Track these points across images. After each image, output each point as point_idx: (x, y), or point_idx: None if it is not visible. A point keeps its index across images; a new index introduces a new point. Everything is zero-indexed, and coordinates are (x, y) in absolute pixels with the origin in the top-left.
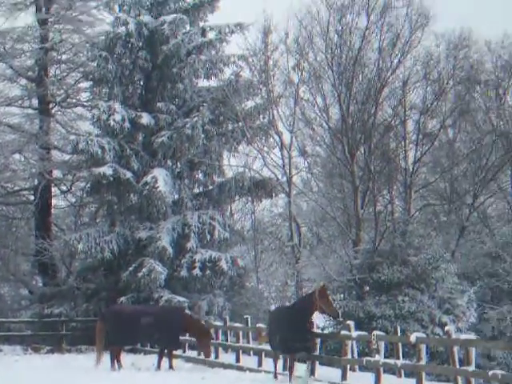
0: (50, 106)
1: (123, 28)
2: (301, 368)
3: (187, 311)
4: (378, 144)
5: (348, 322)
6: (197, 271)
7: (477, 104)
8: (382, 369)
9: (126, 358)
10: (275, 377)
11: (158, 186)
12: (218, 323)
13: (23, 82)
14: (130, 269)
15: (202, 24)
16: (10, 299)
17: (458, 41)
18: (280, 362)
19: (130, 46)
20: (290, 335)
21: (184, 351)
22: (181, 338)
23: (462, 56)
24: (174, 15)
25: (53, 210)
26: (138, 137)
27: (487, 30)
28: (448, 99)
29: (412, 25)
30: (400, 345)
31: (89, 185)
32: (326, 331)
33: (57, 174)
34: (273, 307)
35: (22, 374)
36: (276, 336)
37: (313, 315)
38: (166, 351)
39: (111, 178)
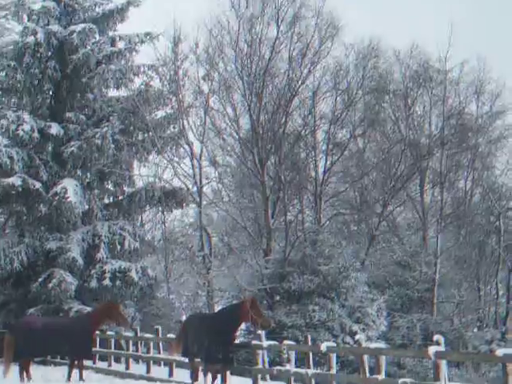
0: None
1: (32, 38)
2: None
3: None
4: (288, 154)
5: (259, 331)
6: (107, 282)
7: (386, 114)
8: (292, 378)
9: (35, 370)
10: None
11: (67, 197)
12: (129, 334)
13: None
14: (40, 280)
15: (111, 33)
16: None
17: (367, 51)
18: (185, 371)
19: (39, 55)
20: (215, 344)
21: (94, 362)
22: (91, 349)
23: (371, 66)
24: (84, 25)
25: None
26: (47, 147)
27: (396, 39)
28: (357, 109)
29: (322, 35)
30: (311, 354)
31: None
32: (236, 341)
33: None
34: (184, 317)
35: None
36: (196, 344)
37: (240, 326)
38: (76, 362)
39: (20, 189)
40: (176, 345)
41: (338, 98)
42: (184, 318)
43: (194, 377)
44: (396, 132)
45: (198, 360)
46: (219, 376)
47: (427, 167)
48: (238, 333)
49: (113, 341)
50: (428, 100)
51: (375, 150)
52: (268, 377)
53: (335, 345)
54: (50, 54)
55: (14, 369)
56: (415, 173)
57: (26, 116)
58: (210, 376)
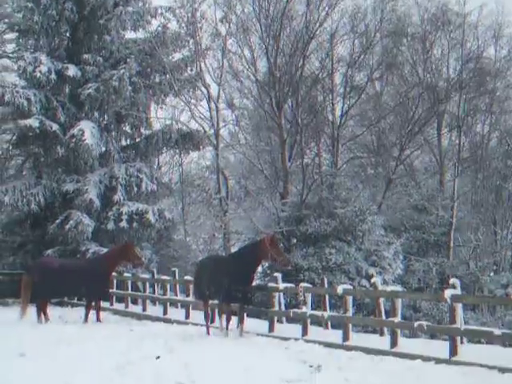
0: None
1: None
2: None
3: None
4: (306, 97)
5: (275, 274)
6: (124, 224)
7: (404, 57)
8: (309, 320)
9: (53, 311)
10: (208, 333)
11: (84, 139)
12: (146, 276)
13: None
14: (57, 221)
15: None
16: None
17: None
18: (198, 313)
19: None
20: (235, 284)
21: (111, 304)
22: (108, 290)
23: (389, 9)
24: None
25: None
26: (64, 89)
27: None
28: (375, 52)
29: None
30: (327, 296)
31: (15, 137)
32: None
33: None
34: (200, 259)
35: None
36: (213, 285)
37: (259, 265)
38: (93, 304)
39: (37, 131)
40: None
41: (356, 41)
42: (200, 259)
43: (210, 318)
44: (414, 75)
45: (214, 302)
46: (235, 317)
47: (445, 111)
48: (255, 275)
49: (130, 283)
50: (446, 43)
51: (393, 93)
52: (284, 319)
53: (351, 287)
54: None
55: (32, 310)
56: (433, 116)
57: (44, 57)
58: (224, 317)
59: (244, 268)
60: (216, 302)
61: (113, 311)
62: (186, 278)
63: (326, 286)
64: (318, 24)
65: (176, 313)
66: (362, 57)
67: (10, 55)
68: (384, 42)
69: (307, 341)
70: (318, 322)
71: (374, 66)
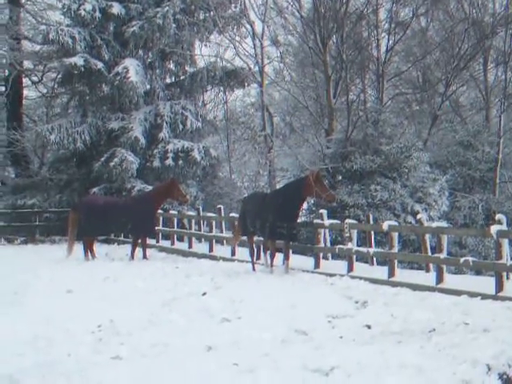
0: None
1: None
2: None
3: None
4: (350, 33)
5: (321, 210)
6: (169, 161)
7: None
8: (354, 257)
9: (99, 249)
10: (254, 269)
11: (129, 77)
12: (191, 213)
13: None
14: (102, 159)
15: None
16: None
17: None
18: (244, 249)
19: None
20: (280, 220)
21: (157, 241)
22: (154, 227)
23: None
24: None
25: (24, 101)
26: (108, 27)
27: None
28: None
29: None
30: (372, 233)
31: (60, 75)
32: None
33: (28, 64)
34: (245, 196)
35: None
36: (258, 221)
37: (304, 202)
38: (139, 241)
39: (82, 69)
40: (238, 229)
41: None
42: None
43: (256, 254)
44: (459, 10)
45: (259, 238)
46: (280, 254)
47: (491, 46)
48: (300, 211)
49: (176, 220)
50: None
51: (438, 28)
52: (330, 255)
53: (397, 224)
54: None
55: (79, 247)
56: (478, 52)
57: None
58: (269, 254)
59: (289, 204)
60: (261, 238)
61: (159, 248)
62: (231, 215)
63: (371, 222)
64: None
65: (222, 250)
66: None
67: None
68: None
69: (353, 277)
70: (364, 258)
71: (419, 1)
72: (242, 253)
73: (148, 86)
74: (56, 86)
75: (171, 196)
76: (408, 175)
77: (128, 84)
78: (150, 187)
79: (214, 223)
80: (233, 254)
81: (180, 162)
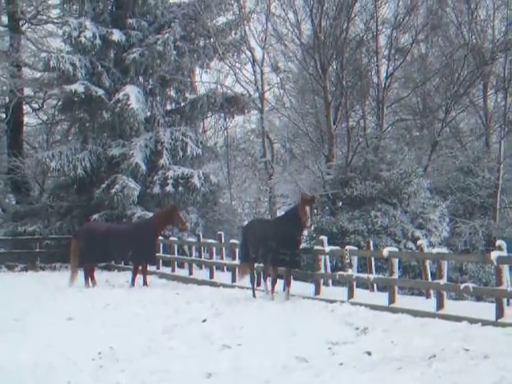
0: (21, 23)
1: None
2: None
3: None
4: (350, 59)
5: (321, 236)
6: (169, 188)
7: (449, 18)
8: (354, 283)
9: (100, 276)
10: (254, 296)
11: (130, 103)
12: (192, 240)
13: None
14: (103, 186)
15: None
16: None
17: None
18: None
19: None
20: (282, 247)
21: (158, 267)
22: (155, 254)
23: None
24: None
25: (24, 128)
26: (109, 54)
27: None
28: (420, 14)
29: None
30: (373, 259)
31: (60, 102)
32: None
33: (28, 91)
34: (245, 223)
35: None
36: (260, 248)
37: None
38: (140, 267)
39: (83, 96)
40: (243, 265)
41: (400, 3)
42: (245, 223)
43: (256, 281)
44: (459, 37)
45: (259, 265)
46: (281, 280)
47: (490, 72)
48: (302, 238)
49: (176, 246)
50: (491, 4)
51: (438, 55)
52: (330, 282)
53: (397, 250)
54: None
55: (79, 274)
56: (478, 78)
57: (88, 23)
58: (270, 280)
59: (291, 231)
60: (261, 264)
61: (159, 275)
62: (231, 241)
63: (371, 248)
64: None
65: (222, 276)
66: (406, 18)
67: (55, 21)
68: (429, 3)
69: (353, 303)
70: (364, 284)
71: (418, 27)
72: (243, 279)
73: (148, 113)
74: (56, 112)
75: (171, 223)
76: (408, 201)
77: (129, 111)
78: (151, 214)
79: (214, 250)
80: (233, 280)
81: (180, 188)
